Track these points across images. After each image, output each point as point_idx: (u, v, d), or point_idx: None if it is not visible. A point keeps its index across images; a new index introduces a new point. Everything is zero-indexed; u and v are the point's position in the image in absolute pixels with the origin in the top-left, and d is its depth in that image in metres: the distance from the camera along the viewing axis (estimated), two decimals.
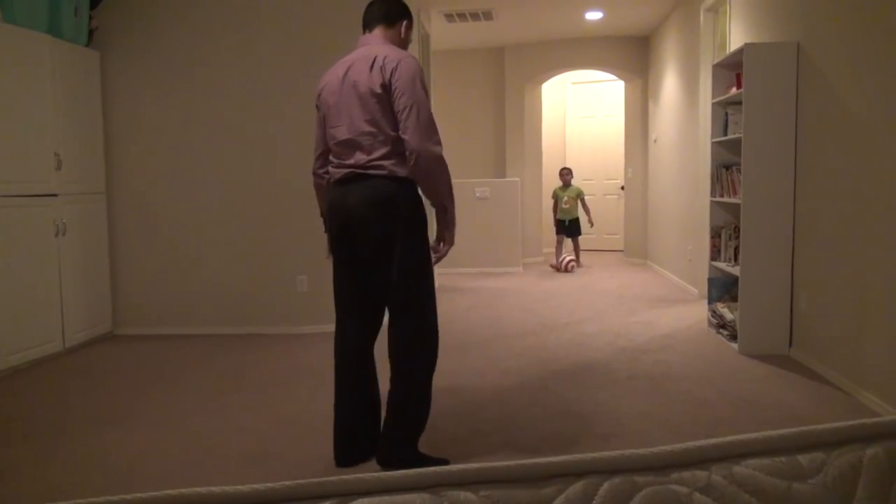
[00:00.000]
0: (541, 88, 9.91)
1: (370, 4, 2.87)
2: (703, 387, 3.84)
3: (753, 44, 4.38)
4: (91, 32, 5.30)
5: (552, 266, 8.70)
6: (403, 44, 2.86)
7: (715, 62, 5.04)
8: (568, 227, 8.81)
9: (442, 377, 4.02)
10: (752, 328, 4.46)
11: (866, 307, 3.49)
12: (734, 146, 4.86)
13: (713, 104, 5.03)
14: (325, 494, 0.82)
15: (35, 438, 3.30)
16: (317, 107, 2.91)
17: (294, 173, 5.38)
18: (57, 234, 4.82)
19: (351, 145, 2.68)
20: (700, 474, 0.84)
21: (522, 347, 4.77)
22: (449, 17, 7.56)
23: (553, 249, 9.05)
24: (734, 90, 4.71)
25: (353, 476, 0.83)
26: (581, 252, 9.03)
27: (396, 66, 2.61)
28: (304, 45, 5.33)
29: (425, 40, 6.94)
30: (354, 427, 2.89)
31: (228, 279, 5.46)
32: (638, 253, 9.30)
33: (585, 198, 8.94)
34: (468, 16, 7.54)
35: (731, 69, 4.89)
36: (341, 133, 2.71)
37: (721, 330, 4.91)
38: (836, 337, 3.81)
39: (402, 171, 2.64)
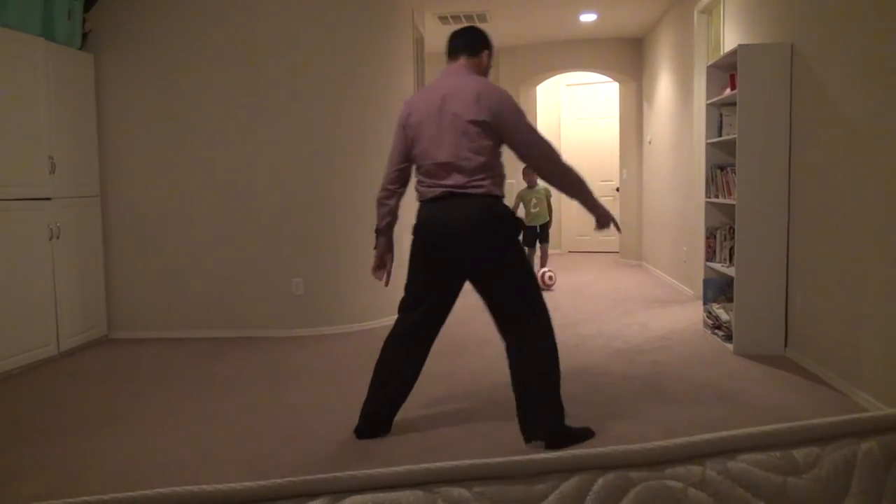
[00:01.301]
0: (535, 90, 9.92)
1: (455, 34, 3.17)
2: (699, 388, 3.84)
3: (747, 45, 4.39)
4: (85, 35, 5.29)
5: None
6: (485, 71, 3.17)
7: (709, 63, 5.05)
8: (539, 235, 7.63)
9: (438, 379, 4.01)
10: (747, 329, 4.47)
11: (861, 307, 3.50)
12: (729, 147, 4.87)
13: (707, 105, 5.04)
14: (317, 492, 0.82)
15: (30, 443, 3.28)
16: (402, 127, 3.09)
17: (288, 176, 5.37)
18: (51, 238, 4.80)
19: (450, 167, 2.93)
20: (695, 469, 0.84)
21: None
22: (443, 18, 7.56)
23: None
24: (728, 91, 4.72)
25: (346, 473, 0.83)
26: (548, 257, 7.86)
27: (500, 99, 2.94)
28: (300, 50, 5.32)
29: (419, 42, 6.94)
30: (392, 397, 3.15)
31: (223, 282, 5.44)
32: (633, 254, 9.31)
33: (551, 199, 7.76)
34: (462, 17, 7.55)
35: (725, 70, 4.90)
36: (441, 156, 2.94)
37: (716, 331, 4.91)
38: (832, 337, 3.82)
39: (497, 190, 2.96)
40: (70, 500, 0.83)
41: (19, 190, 4.52)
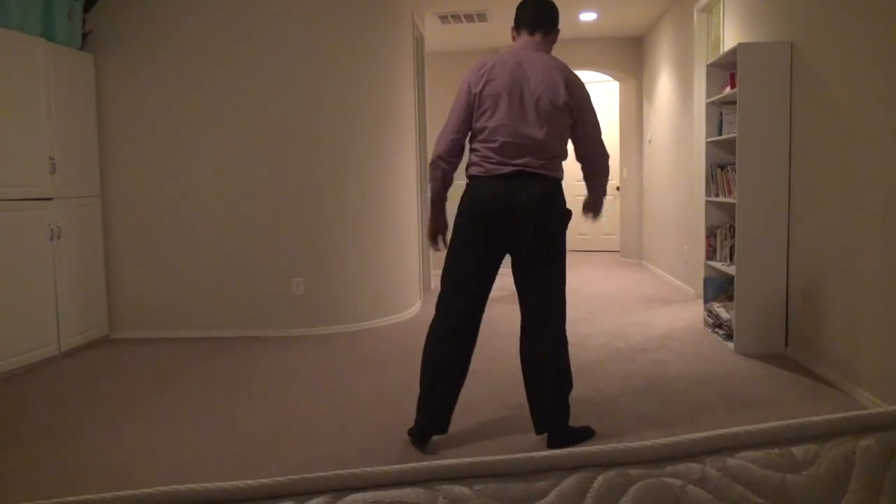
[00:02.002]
0: None
1: (533, 6, 3.10)
2: (700, 386, 3.84)
3: (747, 43, 4.39)
4: (85, 36, 5.29)
5: None
6: (551, 50, 3.13)
7: (709, 62, 5.06)
8: None
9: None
10: (747, 327, 4.47)
11: (861, 306, 3.50)
12: (729, 146, 4.87)
13: (707, 104, 5.04)
14: (318, 490, 0.82)
15: (31, 442, 3.29)
16: (473, 94, 2.96)
17: (288, 176, 5.37)
18: (52, 238, 4.81)
19: (527, 148, 2.89)
20: (694, 467, 0.84)
21: (517, 348, 4.76)
22: (443, 18, 7.56)
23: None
24: (728, 90, 4.72)
25: (347, 471, 0.83)
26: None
27: (582, 94, 2.97)
28: (301, 50, 5.32)
29: (419, 42, 6.94)
30: (452, 391, 3.04)
31: (224, 282, 5.45)
32: (633, 253, 9.31)
33: None
34: (462, 17, 7.54)
35: (726, 69, 4.91)
36: (519, 135, 2.89)
37: (717, 329, 4.91)
38: (832, 335, 3.82)
39: (560, 175, 2.97)
40: (71, 498, 0.84)
41: (20, 190, 4.52)
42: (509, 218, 2.90)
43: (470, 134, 3.03)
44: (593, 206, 3.21)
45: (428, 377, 3.03)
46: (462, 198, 3.00)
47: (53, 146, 4.84)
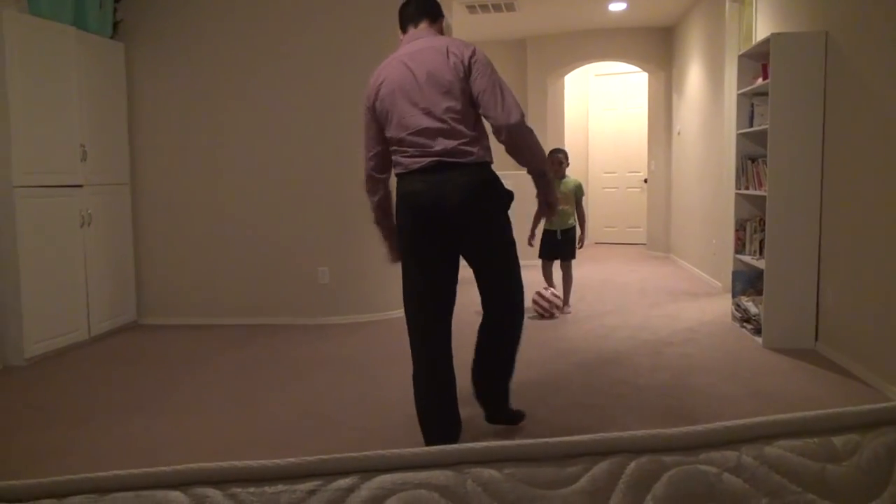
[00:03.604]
0: (563, 81, 9.85)
1: (407, 4, 2.96)
2: (727, 381, 3.79)
3: (780, 33, 4.31)
4: (116, 24, 5.34)
5: (538, 306, 5.43)
6: None
7: (741, 52, 4.97)
8: (561, 243, 5.59)
9: (461, 368, 4.00)
10: (777, 322, 4.40)
11: (894, 301, 3.43)
12: (760, 138, 4.79)
13: (738, 95, 4.96)
14: (346, 470, 0.81)
15: (60, 426, 3.34)
16: (370, 108, 2.90)
17: (315, 165, 5.39)
18: (82, 225, 4.87)
19: (432, 133, 2.72)
20: (730, 455, 0.82)
21: (543, 339, 4.75)
22: (471, 8, 7.53)
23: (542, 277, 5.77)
24: (760, 81, 4.64)
25: (375, 452, 0.82)
26: (572, 282, 5.76)
27: (471, 53, 2.75)
28: (330, 36, 5.33)
29: (447, 31, 6.91)
30: (445, 421, 2.91)
31: (250, 270, 5.48)
32: (661, 246, 9.22)
33: (583, 198, 5.62)
34: (490, 7, 7.50)
35: (758, 59, 4.82)
36: (418, 122, 2.73)
37: (745, 324, 4.85)
38: (864, 331, 3.75)
39: (487, 156, 2.77)
40: (102, 474, 0.84)
41: (51, 177, 4.58)
42: (438, 214, 2.73)
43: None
44: (546, 197, 2.96)
45: (418, 392, 2.91)
46: (396, 203, 2.90)
47: (84, 134, 4.89)
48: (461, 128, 2.71)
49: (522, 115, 2.73)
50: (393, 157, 2.88)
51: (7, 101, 4.21)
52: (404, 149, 2.79)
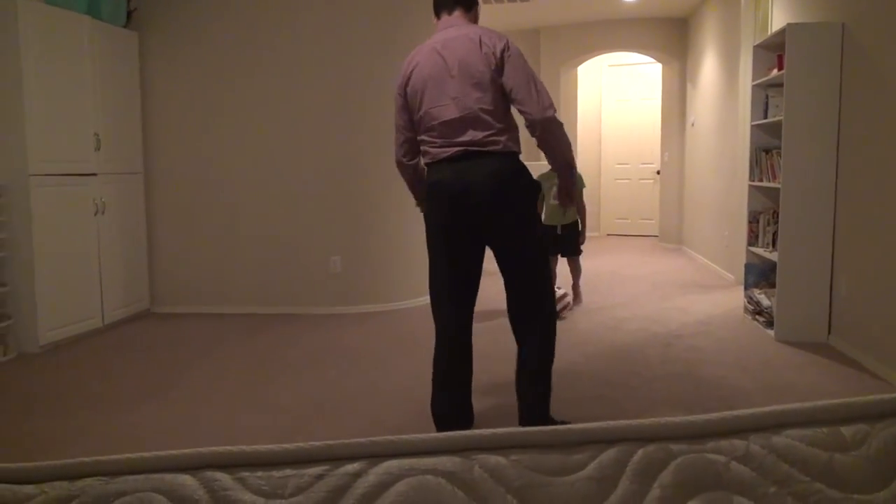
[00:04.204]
0: (577, 71, 9.80)
1: None
2: (738, 373, 3.78)
3: (796, 24, 4.27)
4: (129, 13, 5.35)
5: None
6: None
7: (756, 43, 4.93)
8: (562, 239, 5.31)
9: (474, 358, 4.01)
10: (789, 315, 4.38)
11: None
12: (774, 129, 4.75)
13: (753, 86, 4.92)
14: (354, 456, 0.82)
15: (73, 412, 3.37)
16: (401, 93, 2.90)
17: (328, 155, 5.39)
18: (96, 213, 4.90)
19: (461, 123, 2.72)
20: (738, 444, 0.82)
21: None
22: None
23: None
24: (775, 72, 4.60)
25: (383, 438, 0.83)
26: (580, 273, 5.57)
27: (504, 46, 2.73)
28: (343, 26, 5.32)
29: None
30: (458, 413, 2.90)
31: (263, 259, 5.51)
32: (673, 238, 9.18)
33: (584, 193, 5.42)
34: None
35: (773, 50, 4.78)
36: (448, 112, 2.74)
37: (757, 316, 4.83)
38: (878, 325, 3.72)
39: (515, 147, 2.76)
40: (115, 457, 0.85)
41: (65, 166, 4.61)
42: (466, 202, 2.74)
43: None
44: (566, 191, 2.92)
45: (436, 378, 2.93)
46: (423, 191, 2.94)
47: (98, 123, 4.92)
48: (490, 119, 2.71)
49: (555, 110, 2.72)
50: (421, 147, 2.90)
51: (22, 90, 4.23)
52: (433, 138, 2.81)
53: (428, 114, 2.79)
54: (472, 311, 2.94)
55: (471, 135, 2.71)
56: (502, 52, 2.71)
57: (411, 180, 3.05)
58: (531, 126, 2.70)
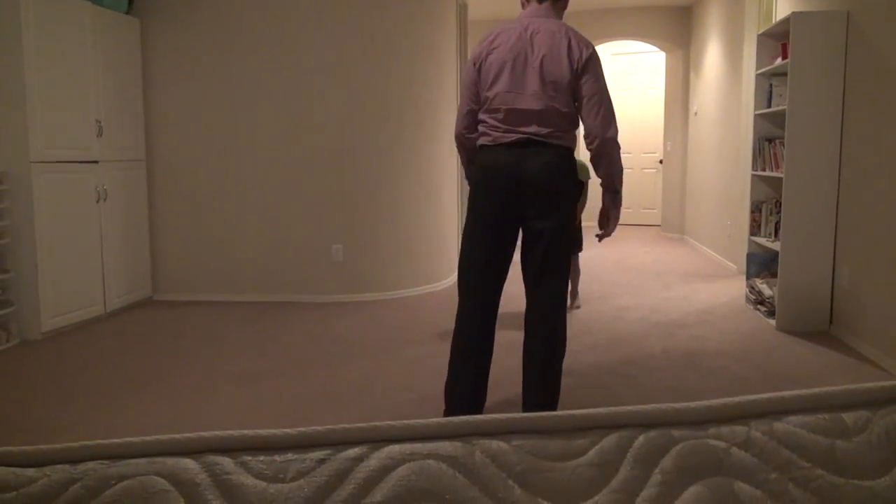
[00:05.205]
0: None
1: None
2: (739, 363, 3.78)
3: (801, 13, 4.25)
4: (131, 1, 5.33)
5: None
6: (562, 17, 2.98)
7: (760, 32, 4.91)
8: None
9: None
10: (791, 305, 4.38)
11: None
12: (778, 118, 4.74)
13: (757, 75, 4.90)
14: (355, 440, 0.82)
15: (76, 399, 3.38)
16: (476, 67, 2.90)
17: (330, 142, 5.38)
18: (98, 201, 4.90)
19: (530, 115, 2.78)
20: (739, 430, 0.82)
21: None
22: None
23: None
24: (779, 61, 4.58)
25: (384, 423, 0.83)
26: (579, 275, 5.34)
27: (590, 55, 2.79)
28: (343, 16, 5.30)
29: (462, 10, 6.86)
30: (476, 392, 2.92)
31: (265, 247, 5.51)
32: (675, 228, 9.17)
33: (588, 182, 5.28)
34: None
35: (777, 39, 4.76)
36: (521, 103, 2.78)
37: (759, 306, 4.83)
38: (879, 314, 3.72)
39: (571, 143, 2.84)
40: (116, 440, 0.85)
41: (68, 153, 4.61)
42: (518, 187, 2.79)
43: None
44: (610, 212, 2.99)
45: (455, 360, 2.94)
46: (474, 170, 2.93)
47: (100, 110, 4.91)
48: (559, 119, 2.78)
49: (617, 131, 2.83)
50: (480, 126, 2.90)
51: (24, 77, 4.22)
52: (496, 122, 2.83)
53: (499, 96, 2.81)
54: (500, 294, 2.96)
55: (535, 128, 2.78)
56: (587, 60, 2.78)
57: (468, 157, 3.04)
58: (589, 138, 2.81)
